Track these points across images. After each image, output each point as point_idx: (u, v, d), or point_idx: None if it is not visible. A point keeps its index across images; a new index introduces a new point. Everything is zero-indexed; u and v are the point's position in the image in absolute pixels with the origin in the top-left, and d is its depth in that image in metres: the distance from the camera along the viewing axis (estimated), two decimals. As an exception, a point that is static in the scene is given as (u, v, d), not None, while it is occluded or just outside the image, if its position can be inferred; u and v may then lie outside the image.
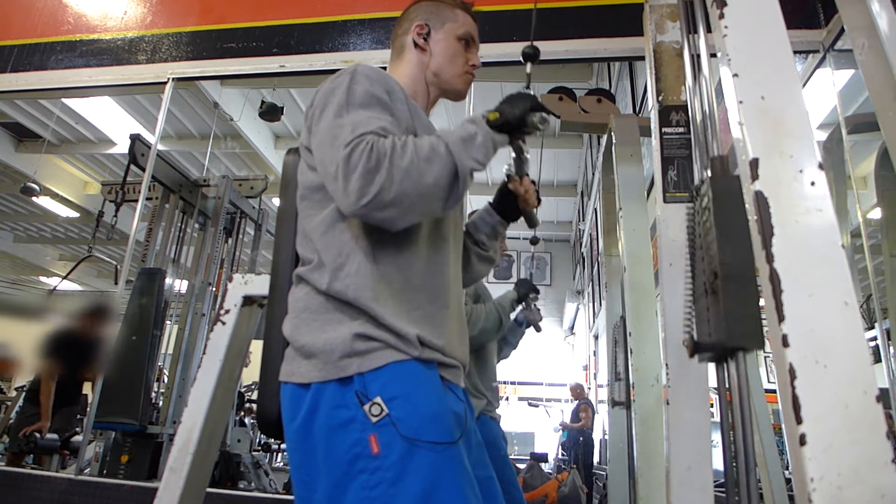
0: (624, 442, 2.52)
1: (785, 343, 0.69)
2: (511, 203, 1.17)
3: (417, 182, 0.82)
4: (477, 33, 1.15)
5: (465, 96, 1.17)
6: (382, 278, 0.87)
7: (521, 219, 1.20)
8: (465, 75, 1.13)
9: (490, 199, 1.22)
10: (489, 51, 2.92)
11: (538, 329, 2.45)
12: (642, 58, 2.63)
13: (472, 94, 3.04)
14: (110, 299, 3.48)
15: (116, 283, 3.86)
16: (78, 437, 3.72)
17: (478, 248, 1.18)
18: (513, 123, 0.94)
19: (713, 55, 1.07)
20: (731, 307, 0.78)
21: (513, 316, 2.34)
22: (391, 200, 0.81)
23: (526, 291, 2.31)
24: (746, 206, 0.81)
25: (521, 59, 1.15)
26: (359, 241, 0.89)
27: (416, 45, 1.11)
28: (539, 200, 1.18)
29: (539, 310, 2.45)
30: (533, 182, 1.15)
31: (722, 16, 0.90)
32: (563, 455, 7.15)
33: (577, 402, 7.22)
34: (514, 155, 1.09)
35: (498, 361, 2.47)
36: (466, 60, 1.12)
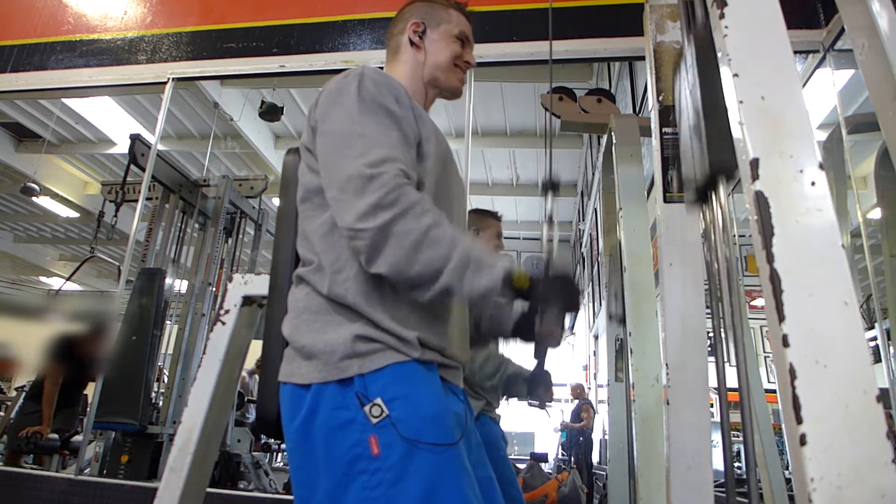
0: (624, 442, 2.52)
1: (785, 343, 0.69)
2: (529, 329, 0.97)
3: (415, 255, 0.80)
4: (471, 32, 1.16)
5: (461, 94, 1.17)
6: (381, 283, 0.87)
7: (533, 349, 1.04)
8: (458, 72, 1.13)
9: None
10: (489, 51, 2.92)
11: (542, 407, 2.31)
12: (642, 58, 2.63)
13: (472, 94, 3.05)
14: (102, 301, 3.48)
15: (117, 282, 3.86)
16: (78, 437, 3.72)
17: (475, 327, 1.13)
18: (531, 310, 0.86)
19: (713, 55, 1.07)
20: (710, 135, 0.90)
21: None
22: (382, 245, 0.80)
23: (541, 404, 2.15)
24: (746, 205, 0.81)
25: (541, 189, 1.10)
26: None
27: (412, 43, 1.12)
28: (558, 343, 0.98)
29: (549, 406, 2.25)
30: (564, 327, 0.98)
31: (722, 16, 0.90)
32: (562, 455, 7.15)
33: (577, 402, 7.21)
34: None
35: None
36: (461, 58, 1.12)
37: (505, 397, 2.25)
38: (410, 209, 0.81)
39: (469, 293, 0.81)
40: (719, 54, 0.93)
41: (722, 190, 0.93)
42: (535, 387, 2.06)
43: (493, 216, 2.29)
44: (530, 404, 2.15)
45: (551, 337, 0.89)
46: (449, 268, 0.80)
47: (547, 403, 2.20)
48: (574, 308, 0.86)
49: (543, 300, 0.85)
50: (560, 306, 0.85)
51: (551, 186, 1.06)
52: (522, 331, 1.08)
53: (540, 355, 1.01)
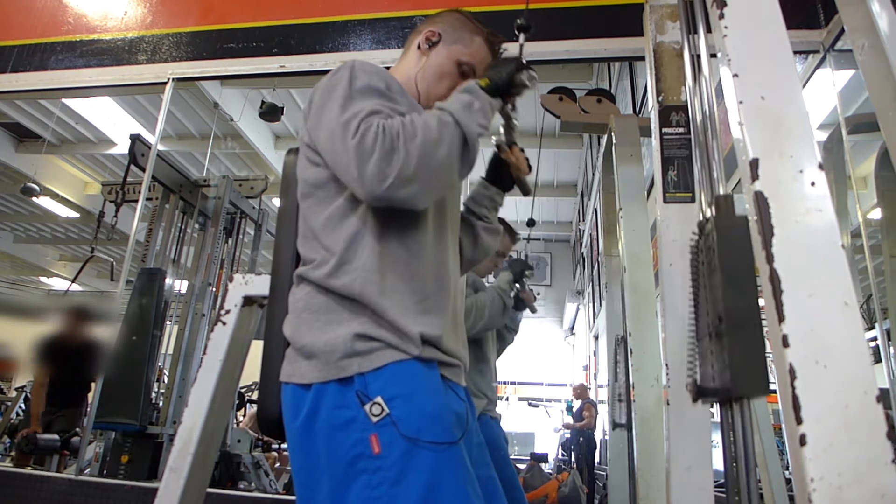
0: (624, 442, 2.52)
1: (785, 343, 0.69)
2: (504, 173, 1.21)
3: (433, 154, 0.84)
4: (480, 69, 1.12)
5: None
6: (388, 272, 0.88)
7: (516, 187, 1.23)
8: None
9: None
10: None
11: (533, 310, 2.43)
12: (642, 58, 2.63)
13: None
14: (97, 301, 3.49)
15: (112, 280, 3.87)
16: (78, 437, 3.72)
17: (482, 221, 1.20)
18: (502, 86, 0.99)
19: (713, 55, 1.07)
20: (736, 355, 0.77)
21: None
22: (412, 176, 0.83)
23: (521, 269, 2.28)
24: (746, 205, 0.81)
25: (515, 30, 1.15)
26: (366, 235, 0.89)
27: (419, 47, 1.11)
28: (530, 167, 1.21)
29: (532, 290, 2.43)
30: (522, 150, 1.19)
31: (722, 16, 0.90)
32: (563, 455, 7.15)
33: (580, 401, 7.20)
34: (503, 122, 1.13)
35: (503, 349, 2.45)
36: (453, 87, 1.07)
37: (518, 306, 2.35)
38: (405, 130, 0.84)
39: (477, 122, 0.91)
40: (719, 54, 0.93)
41: (745, 404, 0.83)
42: (520, 272, 2.20)
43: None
44: (518, 297, 2.28)
45: (518, 161, 1.16)
46: (450, 140, 0.87)
47: (533, 293, 2.32)
48: (523, 66, 1.00)
49: (496, 67, 1.01)
50: (510, 69, 0.99)
51: (525, 28, 1.15)
52: (497, 174, 1.22)
53: (522, 183, 1.20)
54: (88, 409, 3.45)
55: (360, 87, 0.91)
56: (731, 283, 0.80)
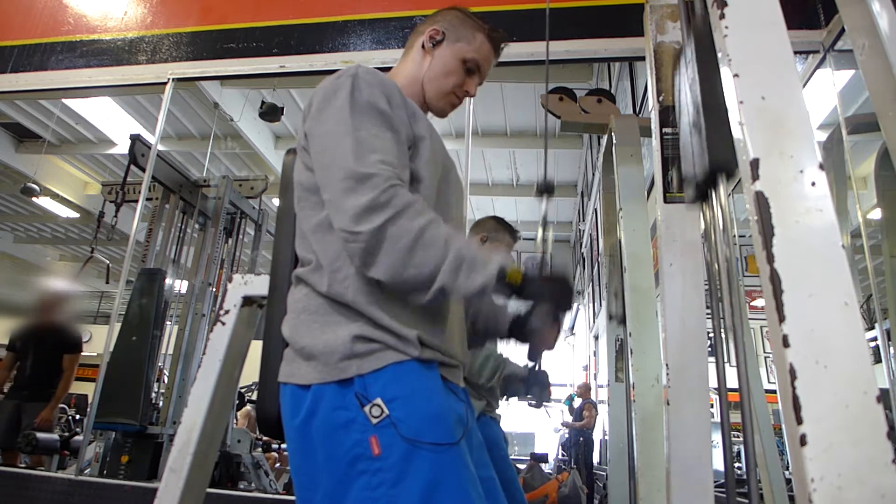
0: (624, 442, 2.52)
1: (785, 343, 0.69)
2: (527, 335, 1.11)
3: (408, 259, 0.80)
4: (489, 65, 1.12)
5: (446, 117, 1.13)
6: (380, 282, 0.87)
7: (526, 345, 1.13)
8: (451, 97, 1.10)
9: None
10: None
11: (538, 407, 2.22)
12: (642, 58, 2.63)
13: (472, 95, 3.04)
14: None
15: (108, 282, 3.88)
16: (78, 437, 3.73)
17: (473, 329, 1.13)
18: (524, 317, 0.91)
19: (713, 55, 1.07)
20: (710, 132, 0.91)
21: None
22: (376, 253, 0.81)
23: (538, 404, 2.10)
24: (747, 205, 0.81)
25: (535, 191, 1.13)
26: None
27: (423, 47, 1.11)
28: (553, 346, 1.11)
29: (547, 390, 2.28)
30: (560, 328, 1.07)
31: (722, 16, 0.90)
32: (563, 455, 7.15)
33: (581, 400, 7.19)
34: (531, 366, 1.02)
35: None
36: (460, 85, 1.09)
37: (505, 397, 2.24)
38: (404, 210, 0.81)
39: (465, 292, 0.81)
40: (719, 54, 0.93)
41: (722, 188, 0.93)
42: (532, 386, 2.07)
43: (511, 232, 2.26)
44: (529, 404, 2.16)
45: (545, 336, 0.91)
46: (444, 269, 0.80)
47: (545, 403, 2.20)
48: (566, 307, 0.87)
49: (536, 297, 0.84)
50: (553, 304, 0.85)
51: (546, 189, 1.08)
52: (518, 331, 1.10)
53: (535, 356, 1.03)
54: (88, 409, 3.46)
55: (362, 103, 0.90)
56: (704, 77, 0.96)
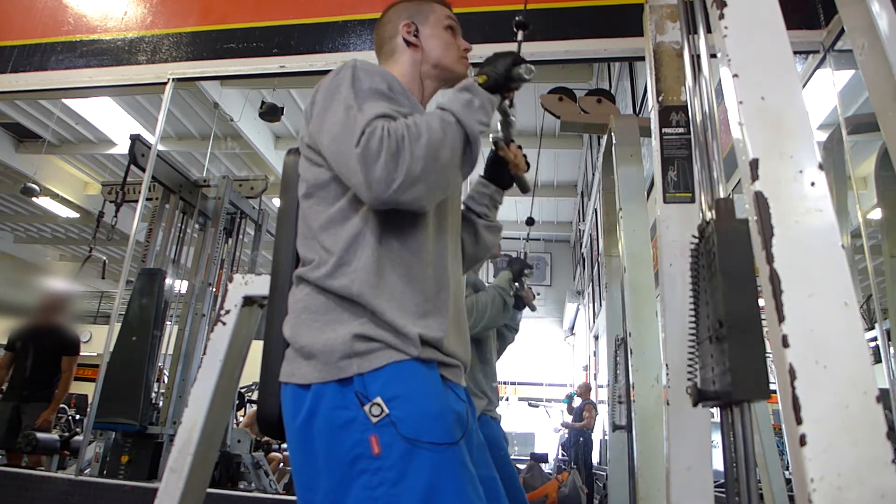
0: (624, 442, 2.52)
1: (785, 343, 0.69)
2: (503, 170, 1.23)
3: (438, 155, 0.85)
4: (455, 17, 1.18)
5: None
6: (388, 273, 0.88)
7: (515, 185, 1.24)
8: (463, 59, 1.16)
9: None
10: (489, 51, 2.91)
11: (532, 308, 2.44)
12: (642, 58, 2.63)
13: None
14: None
15: (103, 278, 3.89)
16: (78, 437, 3.73)
17: (482, 219, 1.22)
18: (500, 81, 0.99)
19: (713, 55, 1.07)
20: (737, 359, 0.77)
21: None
22: (418, 178, 0.83)
23: (520, 268, 2.29)
24: (746, 205, 0.81)
25: (513, 27, 1.18)
26: (367, 236, 0.89)
27: (408, 43, 1.12)
28: (528, 164, 1.22)
29: (531, 288, 2.44)
30: (520, 147, 1.21)
31: (722, 16, 0.90)
32: (563, 455, 7.15)
33: (581, 400, 7.20)
34: (500, 118, 1.14)
35: (504, 348, 2.46)
36: (459, 46, 1.16)
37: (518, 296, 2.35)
38: (409, 132, 0.84)
39: (478, 120, 0.91)
40: (719, 54, 0.93)
41: (746, 408, 0.82)
42: (518, 265, 2.21)
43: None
44: (518, 296, 2.29)
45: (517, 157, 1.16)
46: (453, 139, 0.87)
47: (532, 291, 2.33)
48: (520, 60, 1.01)
49: (492, 61, 1.00)
50: (507, 63, 0.99)
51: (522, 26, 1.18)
52: (495, 172, 1.23)
53: (521, 181, 1.21)
54: (89, 409, 3.46)
55: (362, 88, 0.91)
56: (732, 288, 0.80)
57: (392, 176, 0.82)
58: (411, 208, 0.87)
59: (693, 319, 0.93)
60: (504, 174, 1.22)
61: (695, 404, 0.86)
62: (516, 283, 2.29)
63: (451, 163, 0.88)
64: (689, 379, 0.90)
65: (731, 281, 0.80)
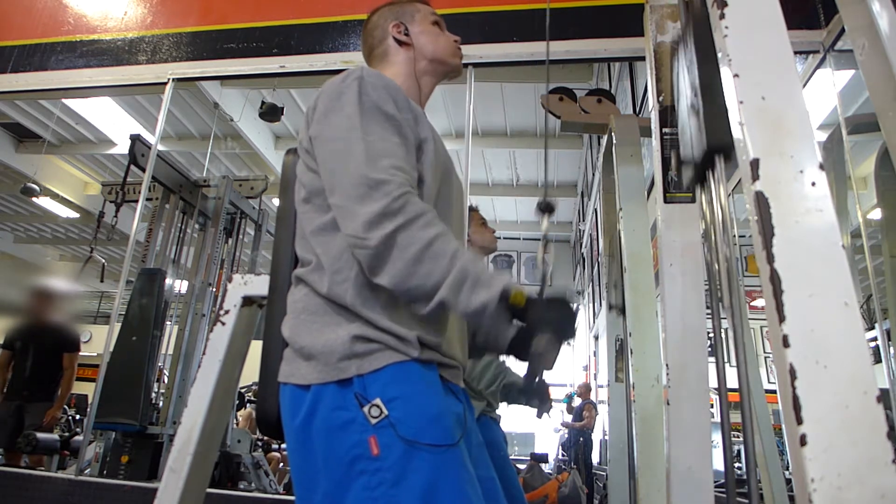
0: (624, 442, 2.52)
1: (785, 343, 0.69)
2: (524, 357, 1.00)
3: (410, 272, 0.79)
4: (441, 18, 1.20)
5: (462, 71, 1.20)
6: (380, 286, 0.86)
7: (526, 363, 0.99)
8: (456, 51, 1.17)
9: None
10: (489, 51, 2.92)
11: (539, 415, 2.26)
12: (642, 58, 2.63)
13: (472, 95, 3.04)
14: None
15: (102, 281, 3.90)
16: (78, 437, 3.73)
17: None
18: (525, 337, 0.84)
19: (713, 55, 1.07)
20: (708, 113, 0.94)
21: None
22: (385, 254, 0.80)
23: (538, 413, 2.13)
24: (747, 205, 0.81)
25: (538, 208, 1.06)
26: None
27: (400, 43, 1.13)
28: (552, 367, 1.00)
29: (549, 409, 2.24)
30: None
31: (722, 16, 0.90)
32: (563, 455, 7.14)
33: (581, 401, 7.19)
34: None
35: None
36: (449, 38, 1.17)
37: (505, 402, 2.24)
38: (415, 219, 0.80)
39: (465, 309, 0.79)
40: (719, 54, 0.93)
41: (719, 169, 0.96)
42: (532, 398, 2.09)
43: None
44: (532, 407, 2.18)
45: (544, 359, 0.88)
46: (447, 283, 0.79)
47: (545, 412, 2.22)
48: (568, 334, 0.84)
49: (538, 323, 0.82)
50: (554, 330, 0.83)
51: (547, 207, 1.03)
52: (518, 349, 1.06)
53: (533, 374, 0.99)
54: (89, 409, 3.46)
55: (370, 107, 0.89)
56: (703, 61, 0.99)
57: (373, 226, 0.79)
58: (360, 261, 0.83)
59: (676, 105, 1.12)
60: (524, 354, 0.95)
61: (677, 171, 1.04)
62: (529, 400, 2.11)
63: (415, 288, 0.80)
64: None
65: (702, 55, 1.00)
